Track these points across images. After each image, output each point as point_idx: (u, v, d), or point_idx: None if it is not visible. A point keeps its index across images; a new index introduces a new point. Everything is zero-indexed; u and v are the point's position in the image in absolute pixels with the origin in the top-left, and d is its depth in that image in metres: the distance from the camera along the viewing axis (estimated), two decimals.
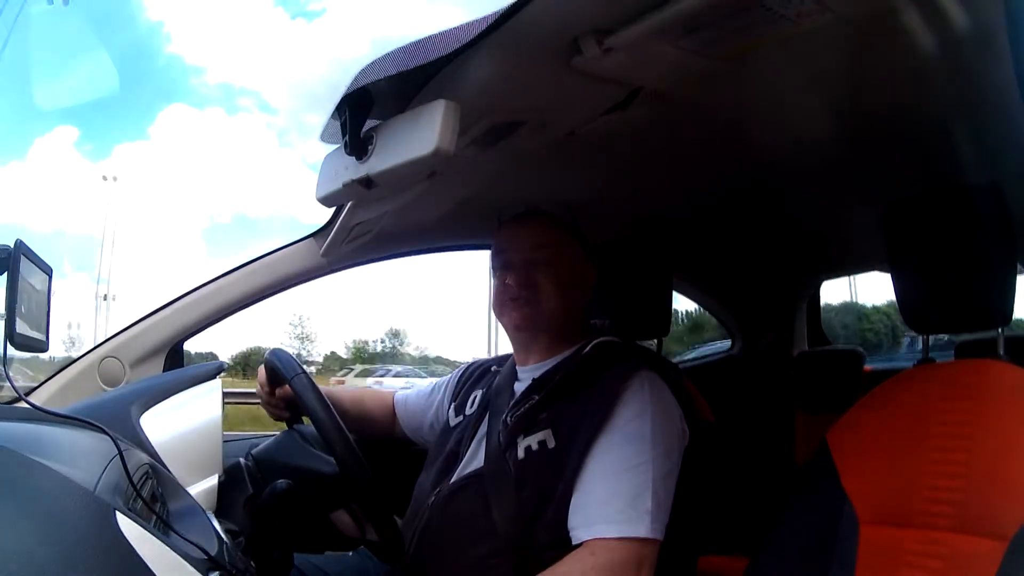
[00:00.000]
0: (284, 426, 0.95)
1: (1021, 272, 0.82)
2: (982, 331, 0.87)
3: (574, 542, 0.78)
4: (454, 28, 0.58)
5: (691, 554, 0.97)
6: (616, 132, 0.84)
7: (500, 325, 1.00)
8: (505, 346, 1.06)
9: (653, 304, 1.16)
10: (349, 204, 1.00)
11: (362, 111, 0.68)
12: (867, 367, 1.70)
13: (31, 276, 0.53)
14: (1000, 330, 0.80)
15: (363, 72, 0.63)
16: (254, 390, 0.99)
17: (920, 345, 0.90)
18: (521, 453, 0.85)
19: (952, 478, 0.71)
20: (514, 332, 0.97)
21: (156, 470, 0.65)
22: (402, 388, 1.20)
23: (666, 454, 0.82)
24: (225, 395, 0.94)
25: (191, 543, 0.51)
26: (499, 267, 0.96)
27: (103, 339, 1.15)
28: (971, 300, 0.80)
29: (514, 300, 0.93)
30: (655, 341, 1.23)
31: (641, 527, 0.76)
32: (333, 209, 1.10)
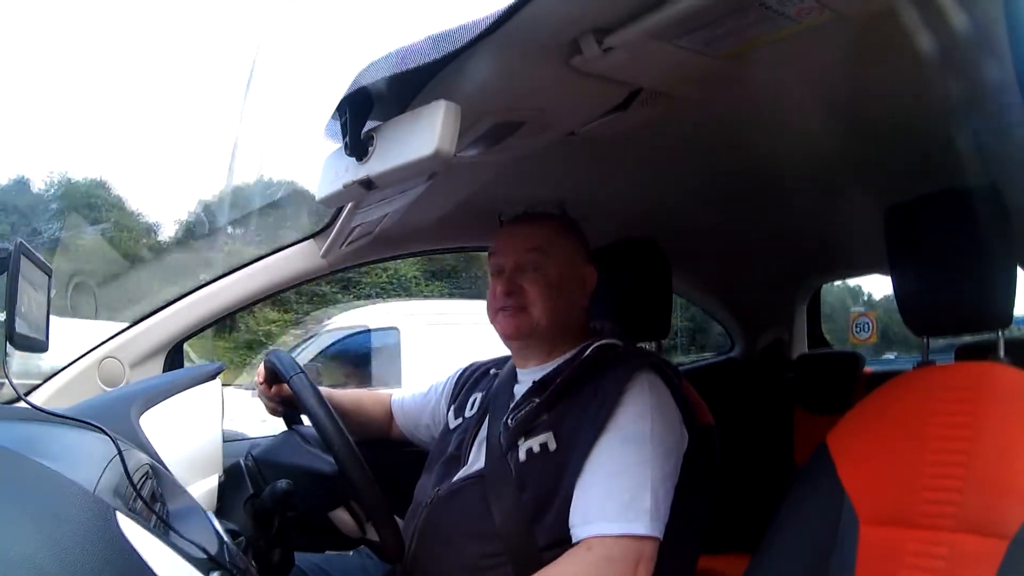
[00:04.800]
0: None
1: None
2: (982, 333, 0.87)
3: (573, 540, 0.78)
4: (454, 28, 0.58)
5: (691, 555, 0.97)
6: (616, 132, 0.84)
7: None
8: None
9: (653, 306, 1.16)
10: (349, 205, 1.00)
11: (362, 112, 0.68)
12: (867, 369, 1.69)
13: (31, 276, 0.53)
14: (1000, 332, 0.80)
15: (363, 72, 0.63)
16: None
17: None
18: (522, 455, 0.85)
19: (952, 478, 0.71)
20: (505, 341, 0.97)
21: (156, 470, 0.65)
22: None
23: (665, 455, 0.82)
24: None
25: (191, 543, 0.51)
26: (492, 272, 0.96)
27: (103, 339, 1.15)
28: (971, 302, 0.80)
29: (503, 310, 0.93)
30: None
31: (639, 525, 0.77)
32: (333, 210, 1.10)
